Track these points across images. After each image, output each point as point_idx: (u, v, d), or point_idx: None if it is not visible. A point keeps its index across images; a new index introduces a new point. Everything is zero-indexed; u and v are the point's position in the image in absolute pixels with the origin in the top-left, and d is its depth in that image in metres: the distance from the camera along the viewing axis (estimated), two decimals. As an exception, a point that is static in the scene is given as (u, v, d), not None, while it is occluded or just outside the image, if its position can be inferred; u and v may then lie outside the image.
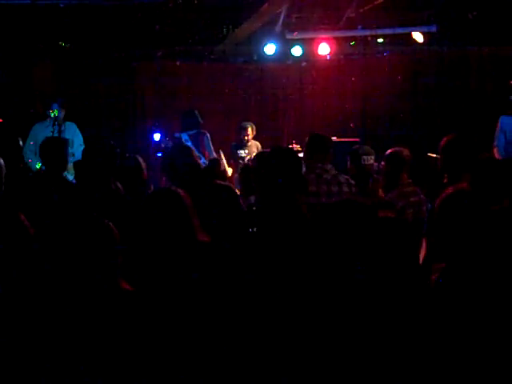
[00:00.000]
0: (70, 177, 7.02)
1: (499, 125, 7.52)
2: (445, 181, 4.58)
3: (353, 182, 5.17)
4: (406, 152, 5.23)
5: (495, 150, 7.43)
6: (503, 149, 7.38)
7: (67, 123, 7.57)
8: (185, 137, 7.69)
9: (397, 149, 5.30)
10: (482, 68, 10.82)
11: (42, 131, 7.49)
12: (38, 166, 6.93)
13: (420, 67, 10.87)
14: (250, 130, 8.89)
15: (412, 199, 5.02)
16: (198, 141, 7.65)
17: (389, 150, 5.33)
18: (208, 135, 7.85)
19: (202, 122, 7.90)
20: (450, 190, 2.85)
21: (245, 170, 6.39)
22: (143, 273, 2.95)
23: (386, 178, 5.19)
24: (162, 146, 7.99)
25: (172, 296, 2.89)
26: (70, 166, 7.21)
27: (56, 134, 7.30)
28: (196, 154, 4.85)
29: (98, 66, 10.25)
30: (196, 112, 7.93)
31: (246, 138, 8.86)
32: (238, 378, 2.67)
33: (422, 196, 5.10)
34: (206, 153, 7.81)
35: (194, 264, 3.06)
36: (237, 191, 4.69)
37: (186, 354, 2.76)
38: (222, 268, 3.13)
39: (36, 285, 2.74)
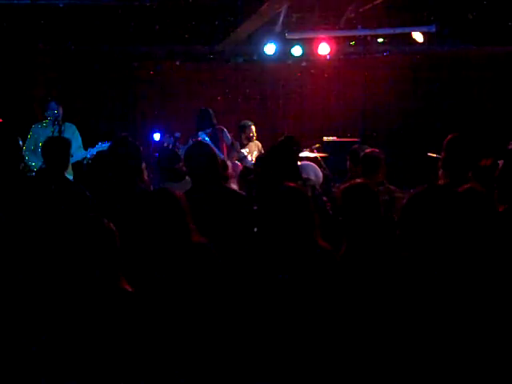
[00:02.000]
0: (69, 177, 7.02)
1: None
2: (440, 181, 4.58)
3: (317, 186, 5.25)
4: (378, 153, 5.31)
5: None
6: None
7: (66, 124, 7.55)
8: (202, 135, 7.78)
9: (369, 150, 5.40)
10: (481, 68, 10.81)
11: (41, 131, 7.48)
12: (37, 166, 6.93)
13: (420, 67, 10.87)
14: (253, 127, 8.94)
15: (381, 198, 5.01)
16: (216, 137, 7.74)
17: (362, 153, 5.43)
18: (226, 130, 7.99)
19: (215, 121, 7.99)
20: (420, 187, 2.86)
21: (244, 174, 6.41)
22: (139, 272, 2.95)
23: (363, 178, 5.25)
24: (165, 144, 7.99)
25: (168, 296, 2.89)
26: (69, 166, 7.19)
27: (56, 134, 7.29)
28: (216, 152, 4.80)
29: (98, 65, 10.25)
30: (210, 111, 8.06)
31: (253, 136, 8.91)
32: (236, 377, 2.67)
33: (396, 194, 5.13)
34: (226, 148, 7.93)
35: (188, 264, 3.06)
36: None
37: (184, 353, 2.75)
38: (217, 268, 3.14)
39: (36, 284, 2.74)
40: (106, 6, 8.38)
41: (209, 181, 4.26)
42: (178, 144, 7.85)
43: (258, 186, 4.17)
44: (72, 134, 7.55)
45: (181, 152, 7.31)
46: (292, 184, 3.11)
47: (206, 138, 7.72)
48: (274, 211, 2.94)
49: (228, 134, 8.05)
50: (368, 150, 5.44)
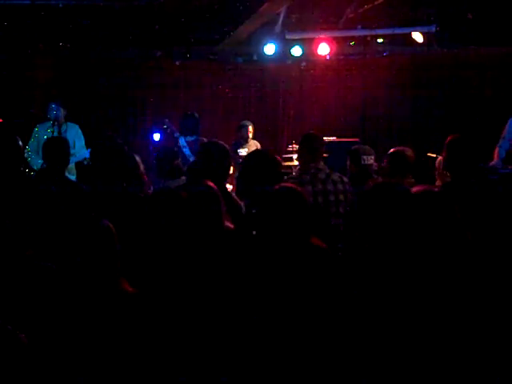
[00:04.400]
0: (72, 177, 7.05)
1: (508, 126, 7.44)
2: (437, 182, 4.58)
3: (346, 179, 5.19)
4: (409, 152, 5.15)
5: (497, 150, 7.42)
6: (505, 151, 7.34)
7: (69, 124, 7.59)
8: (182, 142, 7.37)
9: (400, 148, 5.22)
10: (481, 68, 10.82)
11: (44, 132, 7.53)
12: (39, 165, 6.94)
13: (420, 67, 10.87)
14: (251, 128, 8.93)
15: None
16: (195, 148, 7.44)
17: (391, 150, 5.25)
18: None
19: (199, 127, 7.64)
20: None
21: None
22: (142, 272, 2.95)
23: (389, 179, 5.10)
24: (167, 128, 7.81)
25: (167, 297, 2.89)
26: (72, 166, 7.21)
27: (56, 134, 7.32)
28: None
29: (98, 66, 10.25)
30: (196, 115, 7.62)
31: (250, 135, 8.90)
32: (234, 377, 2.67)
33: None
34: None
35: (194, 265, 3.07)
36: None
37: (190, 353, 2.75)
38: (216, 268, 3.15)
39: (34, 285, 2.74)
40: (106, 7, 8.38)
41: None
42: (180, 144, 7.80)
43: (239, 187, 4.18)
44: (75, 133, 7.58)
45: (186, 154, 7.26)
46: (289, 184, 3.10)
47: (186, 149, 7.30)
48: (270, 211, 2.93)
49: None
50: (394, 149, 5.14)
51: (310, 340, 2.58)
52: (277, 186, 3.08)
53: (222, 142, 4.47)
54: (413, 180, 5.09)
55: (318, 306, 2.65)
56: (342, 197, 5.00)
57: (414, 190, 2.77)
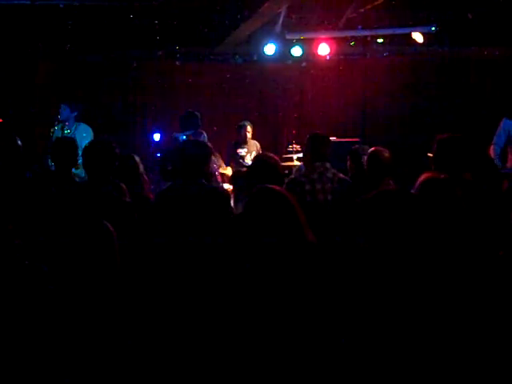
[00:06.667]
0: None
1: (501, 125, 7.51)
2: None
3: (348, 179, 5.25)
4: (385, 153, 5.15)
5: (492, 148, 7.46)
6: (499, 148, 7.41)
7: (81, 124, 7.61)
8: (182, 137, 7.73)
9: (378, 148, 5.22)
10: (481, 68, 10.82)
11: (57, 131, 7.58)
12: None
13: (420, 67, 10.88)
14: (249, 128, 8.94)
15: None
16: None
17: (369, 150, 5.28)
18: (205, 134, 7.86)
19: (200, 124, 7.88)
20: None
21: (236, 176, 6.37)
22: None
23: (367, 179, 5.14)
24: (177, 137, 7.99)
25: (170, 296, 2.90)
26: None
27: (57, 134, 7.35)
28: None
29: (98, 66, 10.25)
30: (196, 113, 7.92)
31: (248, 135, 8.90)
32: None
33: None
34: None
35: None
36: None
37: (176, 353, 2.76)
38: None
39: (32, 285, 2.74)
40: (107, 7, 8.39)
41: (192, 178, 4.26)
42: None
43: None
44: (81, 134, 7.58)
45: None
46: (272, 186, 3.03)
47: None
48: (253, 214, 2.89)
49: (206, 139, 7.88)
50: (372, 149, 5.19)
51: (305, 339, 2.58)
52: (257, 188, 3.02)
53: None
54: (390, 181, 5.07)
55: (307, 304, 2.65)
56: None
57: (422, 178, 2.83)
